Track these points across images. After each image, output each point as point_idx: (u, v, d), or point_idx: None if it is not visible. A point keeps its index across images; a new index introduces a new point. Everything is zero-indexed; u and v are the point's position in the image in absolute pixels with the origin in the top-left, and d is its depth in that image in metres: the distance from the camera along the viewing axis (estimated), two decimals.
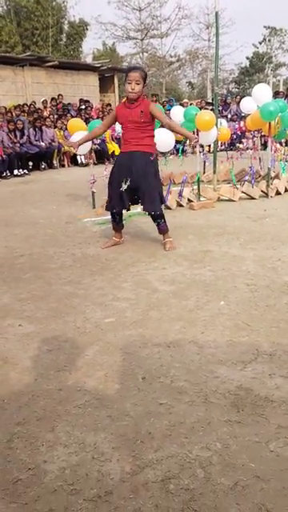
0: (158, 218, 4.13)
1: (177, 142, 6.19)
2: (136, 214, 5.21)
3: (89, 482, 1.53)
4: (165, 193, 5.98)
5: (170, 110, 8.45)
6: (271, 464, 1.58)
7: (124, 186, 3.93)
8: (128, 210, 4.23)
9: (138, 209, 4.52)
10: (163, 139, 5.24)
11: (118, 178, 3.97)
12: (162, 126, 4.16)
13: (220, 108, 12.95)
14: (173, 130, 4.35)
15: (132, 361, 2.26)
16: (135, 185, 3.94)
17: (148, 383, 2.06)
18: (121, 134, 4.04)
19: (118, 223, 4.26)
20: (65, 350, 2.40)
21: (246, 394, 1.95)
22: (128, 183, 3.93)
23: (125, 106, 3.91)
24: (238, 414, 1.83)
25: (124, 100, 3.96)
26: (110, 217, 4.32)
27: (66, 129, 9.06)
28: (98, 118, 11.79)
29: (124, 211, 4.20)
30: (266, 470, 1.55)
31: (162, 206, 4.18)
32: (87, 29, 24.38)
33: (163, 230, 4.18)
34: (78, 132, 5.67)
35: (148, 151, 3.93)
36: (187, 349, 2.36)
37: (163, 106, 14.57)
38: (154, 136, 4.02)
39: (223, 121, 7.90)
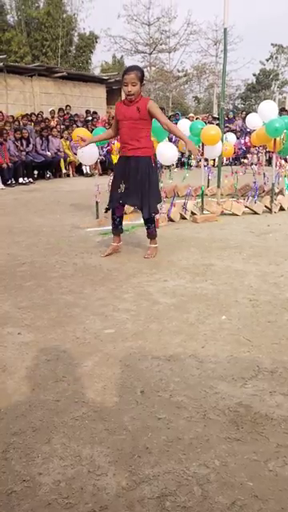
0: (149, 223, 4.22)
1: (182, 154, 6.21)
2: (139, 226, 5.22)
3: (84, 496, 1.50)
4: (169, 205, 6.01)
5: (176, 123, 8.49)
6: (270, 483, 1.55)
7: (121, 188, 4.03)
8: (123, 205, 4.30)
9: (140, 220, 4.56)
10: (166, 152, 5.27)
11: (116, 181, 4.08)
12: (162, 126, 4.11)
13: (225, 122, 13.03)
14: (171, 131, 4.29)
15: (131, 373, 2.24)
16: (132, 188, 4.00)
17: (147, 397, 2.04)
18: (119, 133, 4.06)
19: (117, 226, 4.31)
20: (63, 361, 2.38)
21: (245, 411, 1.92)
22: (124, 186, 4.02)
23: (123, 104, 3.95)
24: (238, 432, 1.80)
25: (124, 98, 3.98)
26: (129, 222, 4.43)
27: (72, 139, 9.14)
28: None
29: (127, 222, 4.24)
30: (265, 489, 1.52)
31: (161, 208, 4.32)
32: (96, 41, 24.67)
33: (152, 234, 4.30)
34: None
35: (144, 155, 3.95)
36: (187, 363, 2.33)
37: (169, 120, 14.62)
38: (150, 136, 4.03)
39: (230, 135, 7.93)
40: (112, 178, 4.24)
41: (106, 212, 4.36)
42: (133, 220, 5.63)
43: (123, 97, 3.93)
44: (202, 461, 1.65)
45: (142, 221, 4.46)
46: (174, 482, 1.55)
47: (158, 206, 4.42)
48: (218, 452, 1.69)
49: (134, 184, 4.00)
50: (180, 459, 1.66)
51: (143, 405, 1.98)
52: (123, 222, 4.43)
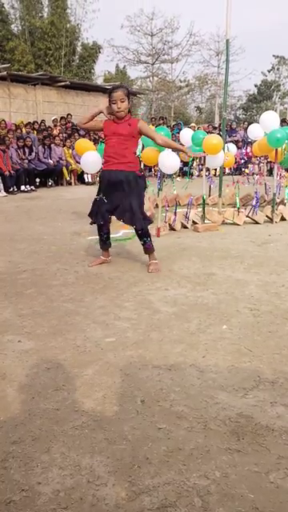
0: (144, 237, 4.10)
1: (184, 164, 6.24)
2: (123, 239, 5.20)
3: (83, 507, 1.49)
4: (171, 214, 6.02)
5: (177, 133, 8.53)
6: (271, 496, 1.53)
7: (109, 201, 3.97)
8: (108, 221, 4.24)
9: (120, 233, 4.49)
10: (168, 161, 5.29)
11: (104, 194, 3.99)
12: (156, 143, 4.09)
13: (227, 132, 13.11)
14: (169, 147, 4.32)
15: (131, 383, 2.23)
16: (120, 202, 3.94)
17: (147, 406, 2.03)
18: (106, 147, 3.98)
19: (104, 242, 4.25)
20: (64, 369, 2.37)
21: (246, 422, 1.91)
22: (110, 199, 3.96)
23: (113, 122, 3.91)
24: (238, 443, 1.79)
25: (113, 118, 3.91)
26: (115, 235, 4.33)
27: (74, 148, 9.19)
28: None
29: (114, 235, 4.17)
30: (265, 501, 1.51)
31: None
32: (100, 51, 24.86)
33: (149, 249, 4.14)
34: (86, 153, 5.73)
35: (130, 170, 3.91)
36: (188, 372, 2.32)
37: (171, 130, 14.75)
38: (135, 153, 4.01)
39: (231, 145, 7.97)
40: (99, 190, 4.08)
41: (91, 224, 4.28)
42: (126, 231, 5.56)
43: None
44: (203, 472, 1.63)
45: (121, 234, 4.42)
46: (174, 493, 1.54)
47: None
48: (219, 463, 1.68)
49: (122, 198, 3.93)
50: (180, 470, 1.64)
51: (143, 414, 1.97)
52: (115, 234, 4.35)
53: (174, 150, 4.57)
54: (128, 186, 3.91)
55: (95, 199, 4.07)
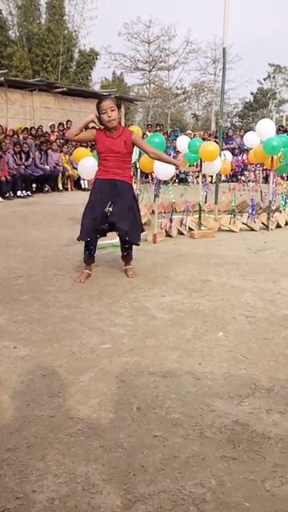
0: (130, 248, 4.06)
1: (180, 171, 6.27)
2: (109, 246, 5.11)
3: None
4: (167, 221, 6.03)
5: (174, 139, 8.57)
6: (266, 504, 1.53)
7: (109, 209, 3.75)
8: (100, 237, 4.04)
9: (117, 239, 4.21)
10: (163, 167, 5.31)
11: (101, 199, 3.78)
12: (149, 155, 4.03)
13: (224, 140, 13.19)
14: (161, 160, 4.18)
15: (127, 389, 2.22)
16: (121, 211, 3.78)
17: (143, 414, 2.02)
18: (99, 161, 3.86)
19: (92, 256, 4.04)
20: (59, 376, 2.36)
21: (242, 430, 1.91)
22: (111, 208, 3.76)
23: (105, 135, 3.76)
24: (234, 450, 1.78)
25: (102, 128, 3.80)
26: (111, 241, 4.28)
27: (71, 154, 9.22)
28: None
29: (110, 241, 4.03)
30: (261, 509, 1.50)
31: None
32: (97, 58, 24.96)
33: (130, 258, 4.15)
34: (83, 159, 5.76)
35: (129, 182, 3.89)
36: (184, 380, 2.32)
37: (167, 136, 14.82)
38: (131, 168, 3.99)
39: (227, 153, 8.01)
40: (89, 200, 3.89)
41: (79, 240, 3.99)
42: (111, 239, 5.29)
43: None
44: (198, 480, 1.63)
45: (117, 240, 4.16)
46: (169, 501, 1.53)
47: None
48: (215, 471, 1.67)
49: (122, 208, 3.79)
50: (176, 478, 1.64)
51: (139, 422, 1.96)
52: (110, 240, 4.20)
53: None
54: (126, 195, 3.83)
55: (92, 206, 3.85)
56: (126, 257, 4.13)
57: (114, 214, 3.77)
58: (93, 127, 3.98)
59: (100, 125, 3.78)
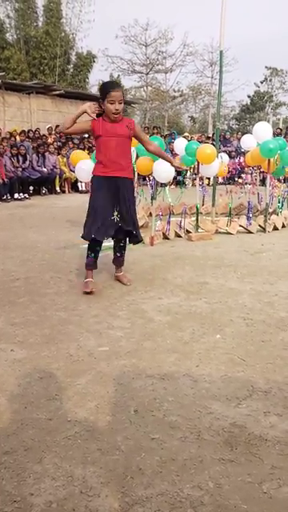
0: (124, 249, 3.95)
1: (178, 173, 6.27)
2: (107, 248, 5.03)
3: None
4: (164, 223, 6.04)
5: (171, 142, 8.58)
6: (264, 506, 1.53)
7: (115, 214, 3.60)
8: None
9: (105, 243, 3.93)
10: (163, 170, 5.32)
11: (106, 204, 3.58)
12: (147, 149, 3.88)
13: (221, 143, 13.23)
14: (159, 155, 4.07)
15: (124, 392, 2.22)
16: (125, 213, 3.65)
17: (140, 416, 2.02)
18: (98, 149, 3.59)
19: (96, 260, 3.80)
20: (56, 378, 2.36)
21: (239, 432, 1.91)
22: (117, 211, 3.61)
23: (104, 122, 3.50)
24: (232, 453, 1.78)
25: (100, 118, 3.52)
26: (108, 243, 4.07)
27: (69, 156, 9.24)
28: None
29: (107, 243, 3.77)
30: None
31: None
32: (94, 61, 24.99)
33: (123, 261, 4.02)
34: (81, 161, 5.77)
35: (130, 177, 3.71)
36: (181, 382, 2.32)
37: (164, 138, 14.82)
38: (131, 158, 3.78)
39: (224, 155, 8.03)
40: (93, 200, 3.62)
41: (84, 239, 3.74)
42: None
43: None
44: (196, 482, 1.63)
45: (111, 243, 4.01)
46: (167, 504, 1.53)
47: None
48: (212, 473, 1.67)
49: (126, 209, 3.63)
50: (173, 480, 1.64)
51: (136, 424, 1.96)
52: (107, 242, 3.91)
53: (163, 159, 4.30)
54: (128, 193, 3.68)
55: (95, 211, 3.60)
56: (119, 259, 3.98)
57: (121, 219, 3.64)
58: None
59: (93, 114, 3.49)
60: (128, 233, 3.79)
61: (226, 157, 8.11)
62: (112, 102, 3.41)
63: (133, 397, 2.18)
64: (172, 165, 4.29)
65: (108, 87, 3.49)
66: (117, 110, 3.43)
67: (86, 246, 3.71)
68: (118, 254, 3.98)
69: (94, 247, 3.74)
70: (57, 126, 14.78)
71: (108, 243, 4.06)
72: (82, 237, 3.73)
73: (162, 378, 2.35)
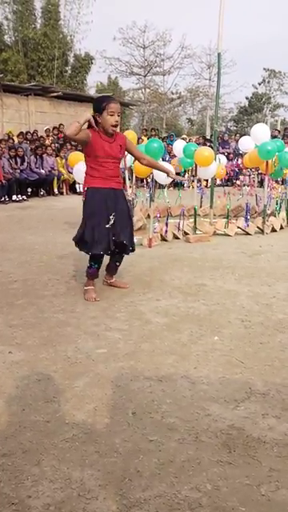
0: (122, 258, 3.88)
1: (177, 174, 6.25)
2: None
3: None
4: (162, 225, 6.04)
5: (170, 144, 8.60)
6: (262, 508, 1.53)
7: (111, 221, 3.50)
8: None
9: None
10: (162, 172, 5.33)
11: (103, 214, 3.49)
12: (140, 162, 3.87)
13: (219, 144, 13.26)
14: (153, 167, 4.09)
15: (122, 394, 2.22)
16: (121, 223, 3.58)
17: (138, 418, 2.02)
18: (94, 167, 3.51)
19: (98, 270, 3.72)
20: (54, 381, 2.36)
21: (238, 434, 1.91)
22: (112, 221, 3.51)
23: (102, 139, 3.44)
24: (230, 455, 1.78)
25: (97, 130, 3.43)
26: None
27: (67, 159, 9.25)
28: None
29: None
30: None
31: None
32: (92, 63, 24.99)
33: (117, 270, 3.96)
34: (78, 163, 5.78)
35: (122, 188, 3.72)
36: (179, 384, 2.32)
37: (163, 141, 14.84)
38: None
39: (222, 157, 8.05)
40: (89, 211, 3.52)
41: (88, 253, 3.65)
42: None
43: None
44: (194, 484, 1.63)
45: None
46: (165, 506, 1.53)
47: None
48: (210, 475, 1.67)
49: (122, 218, 3.57)
50: (171, 483, 1.64)
51: (135, 426, 1.96)
52: None
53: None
54: (124, 204, 3.66)
55: (94, 222, 3.50)
56: (116, 268, 3.92)
57: (117, 229, 3.56)
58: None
59: (95, 126, 3.43)
60: (124, 246, 3.68)
61: (223, 159, 8.13)
62: (112, 113, 3.39)
63: (131, 399, 2.18)
64: (169, 175, 4.24)
65: (107, 99, 3.49)
66: (116, 122, 3.42)
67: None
68: (118, 264, 3.91)
69: (99, 258, 3.66)
70: (54, 128, 14.81)
71: None
72: (83, 250, 3.64)
73: (159, 380, 2.35)
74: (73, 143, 13.44)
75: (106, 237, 3.50)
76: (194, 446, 1.84)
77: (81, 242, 3.60)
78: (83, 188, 3.68)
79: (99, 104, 3.44)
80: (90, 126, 3.43)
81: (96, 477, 1.66)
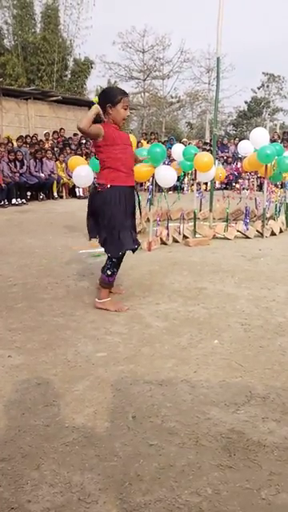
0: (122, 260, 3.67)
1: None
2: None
3: None
4: (162, 228, 6.05)
5: (170, 148, 8.62)
6: None
7: (129, 218, 3.46)
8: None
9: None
10: (166, 175, 5.35)
11: (128, 215, 3.43)
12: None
13: (219, 148, 13.30)
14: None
15: (122, 398, 2.22)
16: (134, 224, 3.55)
17: (138, 422, 2.01)
18: (115, 157, 3.34)
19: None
20: (54, 384, 2.35)
21: (238, 438, 1.90)
22: (131, 221, 3.49)
23: (115, 129, 3.36)
24: (230, 459, 1.78)
25: (106, 121, 3.34)
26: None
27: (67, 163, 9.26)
28: None
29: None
30: None
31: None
32: (92, 67, 25.05)
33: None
34: (78, 167, 5.79)
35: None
36: (179, 388, 2.32)
37: (163, 144, 14.86)
38: None
39: (217, 163, 8.06)
40: (116, 210, 3.33)
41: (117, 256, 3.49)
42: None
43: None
44: (194, 489, 1.62)
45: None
46: (165, 510, 1.53)
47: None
48: (211, 480, 1.67)
49: (133, 213, 3.54)
50: (172, 487, 1.63)
51: (135, 430, 1.96)
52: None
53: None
54: (135, 196, 3.57)
55: (121, 224, 3.35)
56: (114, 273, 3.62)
57: (134, 224, 3.54)
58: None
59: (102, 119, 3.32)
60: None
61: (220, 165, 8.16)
62: (126, 107, 3.34)
63: (131, 403, 2.17)
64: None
65: (121, 92, 3.39)
66: (127, 117, 3.37)
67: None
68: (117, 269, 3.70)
69: (120, 262, 3.56)
70: (54, 132, 14.84)
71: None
72: (117, 254, 3.43)
73: (159, 384, 2.35)
74: (72, 147, 13.49)
75: (130, 233, 3.41)
76: (194, 450, 1.83)
77: (113, 245, 3.38)
78: (100, 181, 3.41)
79: (114, 96, 3.33)
80: (96, 121, 3.30)
81: (96, 481, 1.66)
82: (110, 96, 3.35)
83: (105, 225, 3.38)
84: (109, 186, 3.32)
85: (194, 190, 6.89)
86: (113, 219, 3.34)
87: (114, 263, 3.47)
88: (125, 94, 3.39)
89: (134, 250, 3.55)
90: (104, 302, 3.48)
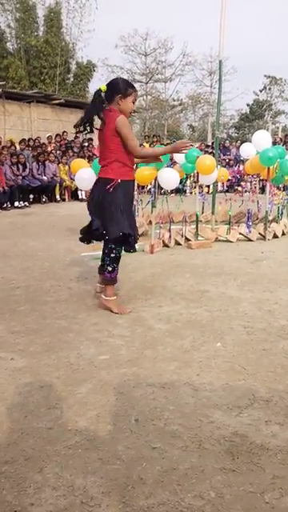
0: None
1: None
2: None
3: None
4: (164, 231, 6.05)
5: None
6: None
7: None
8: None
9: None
10: (170, 177, 5.36)
11: (130, 206, 3.53)
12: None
13: (221, 151, 13.30)
14: None
15: (125, 401, 2.21)
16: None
17: (141, 425, 2.01)
18: (123, 150, 3.33)
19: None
20: (57, 387, 2.35)
21: (241, 441, 1.90)
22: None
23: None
24: (233, 462, 1.77)
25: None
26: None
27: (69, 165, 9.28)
28: None
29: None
30: None
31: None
32: (94, 70, 25.14)
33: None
34: (81, 170, 5.81)
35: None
36: (182, 391, 2.31)
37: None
38: None
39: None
40: (126, 202, 3.39)
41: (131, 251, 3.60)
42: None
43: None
44: (197, 492, 1.62)
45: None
46: None
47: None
48: (214, 483, 1.66)
49: (133, 218, 3.63)
50: (175, 490, 1.63)
51: (137, 434, 1.95)
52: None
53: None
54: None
55: (127, 210, 3.42)
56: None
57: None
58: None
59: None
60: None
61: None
62: (134, 101, 3.38)
63: (133, 406, 2.17)
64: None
65: (133, 86, 3.39)
66: (133, 111, 3.39)
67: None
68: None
69: (119, 257, 3.49)
70: (57, 135, 14.87)
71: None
72: (130, 247, 3.48)
73: (162, 387, 2.34)
74: (74, 150, 13.51)
75: (129, 222, 3.41)
76: (197, 453, 1.83)
77: (114, 227, 3.33)
78: (109, 176, 3.33)
79: (126, 88, 3.31)
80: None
81: (99, 484, 1.66)
82: (122, 87, 3.31)
83: (107, 210, 3.32)
84: (119, 180, 3.31)
85: (197, 193, 6.89)
86: (118, 204, 3.31)
87: (113, 258, 3.44)
88: (135, 88, 3.40)
89: (133, 250, 3.57)
90: (109, 300, 3.48)
